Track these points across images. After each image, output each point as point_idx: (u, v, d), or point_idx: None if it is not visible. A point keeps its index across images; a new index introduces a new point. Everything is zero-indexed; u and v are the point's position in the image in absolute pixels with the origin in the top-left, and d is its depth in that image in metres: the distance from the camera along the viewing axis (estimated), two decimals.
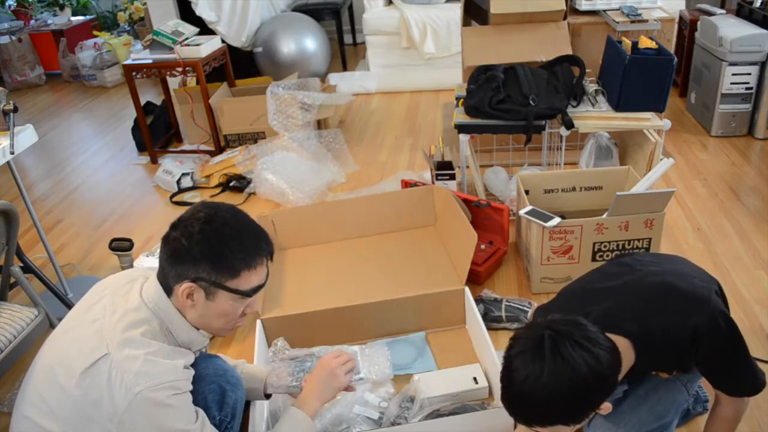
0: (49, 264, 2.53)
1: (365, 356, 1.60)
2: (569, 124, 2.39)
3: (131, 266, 2.52)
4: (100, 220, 3.17)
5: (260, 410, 1.68)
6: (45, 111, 5.00)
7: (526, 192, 2.38)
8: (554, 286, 2.24)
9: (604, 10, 3.14)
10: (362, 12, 4.83)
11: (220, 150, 3.64)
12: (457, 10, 4.12)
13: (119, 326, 1.22)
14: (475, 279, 2.31)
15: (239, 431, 1.46)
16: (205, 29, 4.13)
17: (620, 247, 2.14)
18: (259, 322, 1.98)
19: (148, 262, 2.38)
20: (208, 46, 3.56)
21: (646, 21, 2.97)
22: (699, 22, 3.51)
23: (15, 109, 2.10)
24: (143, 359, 1.18)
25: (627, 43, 2.47)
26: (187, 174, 3.38)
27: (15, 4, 6.16)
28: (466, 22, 3.40)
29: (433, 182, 2.72)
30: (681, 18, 3.84)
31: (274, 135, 3.48)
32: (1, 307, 1.88)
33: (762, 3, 3.33)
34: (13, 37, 5.48)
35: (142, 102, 3.79)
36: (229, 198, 3.21)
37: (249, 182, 3.23)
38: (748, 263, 2.35)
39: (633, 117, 2.45)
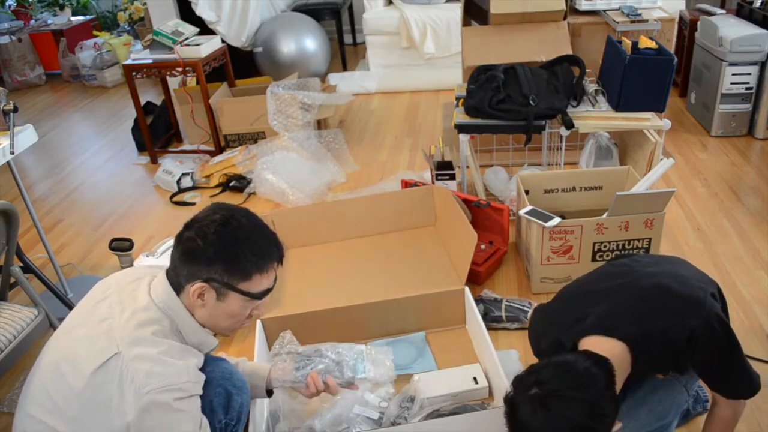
0: (49, 264, 2.53)
1: (370, 356, 1.60)
2: (569, 124, 2.39)
3: (131, 266, 2.52)
4: (100, 220, 3.17)
5: (260, 410, 1.68)
6: (45, 111, 5.00)
7: (526, 192, 2.38)
8: (554, 286, 2.24)
9: (604, 10, 3.14)
10: (362, 12, 4.83)
11: (220, 150, 3.64)
12: (457, 10, 4.12)
13: (129, 325, 1.22)
14: (475, 279, 2.31)
15: None
16: (205, 29, 4.13)
17: (620, 247, 2.14)
18: (259, 322, 1.98)
19: (148, 262, 2.38)
20: (208, 46, 3.56)
21: (646, 21, 2.97)
22: (699, 22, 3.51)
23: (15, 109, 2.10)
24: (155, 359, 1.18)
25: (627, 43, 2.47)
26: (187, 174, 3.38)
27: (15, 4, 6.16)
28: (466, 22, 3.40)
29: (433, 182, 2.72)
30: (681, 18, 3.84)
31: (274, 135, 3.48)
32: (1, 307, 1.88)
33: (762, 3, 3.33)
34: (13, 37, 5.48)
35: (142, 102, 3.79)
36: (229, 198, 3.21)
37: (249, 182, 3.23)
38: (748, 263, 2.35)
39: (633, 117, 2.45)
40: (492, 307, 2.14)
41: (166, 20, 3.81)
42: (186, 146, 3.89)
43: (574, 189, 2.41)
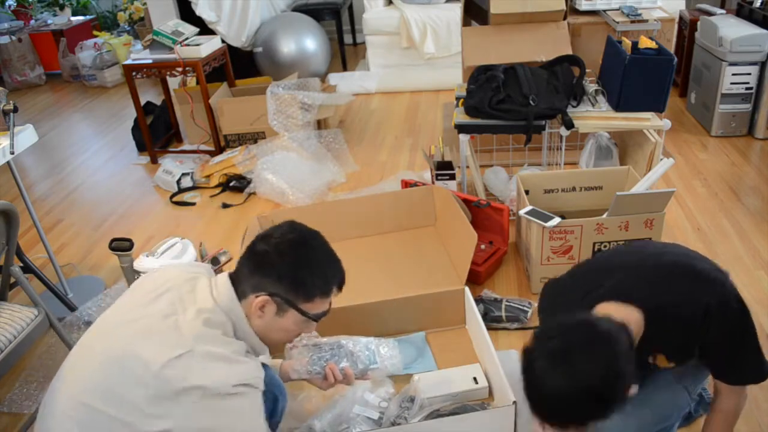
0: (49, 264, 2.53)
1: (377, 348, 1.61)
2: (569, 124, 2.39)
3: (131, 266, 2.51)
4: (100, 220, 3.17)
5: None
6: (45, 111, 5.00)
7: (526, 192, 2.38)
8: None
9: (604, 10, 3.14)
10: (362, 12, 4.83)
11: (220, 150, 3.64)
12: (457, 10, 4.12)
13: (197, 323, 1.23)
14: (475, 279, 2.31)
15: None
16: (205, 29, 4.13)
17: None
18: None
19: (148, 262, 2.38)
20: (208, 46, 3.56)
21: (646, 21, 2.97)
22: (699, 22, 3.51)
23: (15, 109, 2.10)
24: (228, 357, 1.21)
25: (627, 43, 2.47)
26: (187, 174, 3.38)
27: (15, 4, 6.17)
28: (466, 22, 3.40)
29: (433, 182, 2.72)
30: (681, 18, 3.84)
31: (274, 135, 3.48)
32: (1, 307, 1.88)
33: (762, 3, 3.33)
34: (13, 37, 5.48)
35: (142, 102, 3.79)
36: (229, 198, 3.21)
37: (249, 182, 3.23)
38: (748, 263, 2.35)
39: (633, 117, 2.45)
40: (492, 307, 2.14)
41: (166, 20, 3.81)
42: (186, 146, 3.89)
43: (574, 189, 2.41)
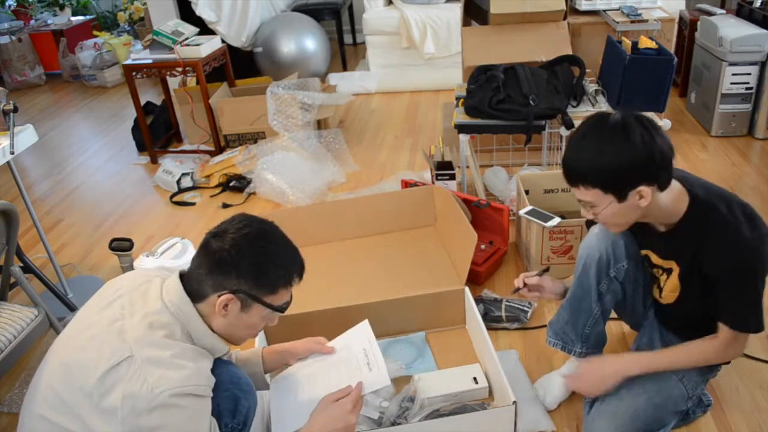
0: (49, 264, 2.53)
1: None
2: (569, 124, 2.39)
3: (131, 266, 2.52)
4: (100, 220, 3.17)
5: (260, 410, 1.68)
6: (45, 111, 5.00)
7: (526, 192, 2.38)
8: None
9: (604, 10, 3.14)
10: (362, 12, 4.84)
11: (220, 150, 3.64)
12: (457, 10, 4.12)
13: (141, 327, 1.22)
14: (475, 279, 2.31)
15: None
16: (205, 29, 4.13)
17: None
18: None
19: (148, 262, 2.38)
20: (208, 46, 3.56)
21: (646, 21, 2.97)
22: (699, 22, 3.51)
23: (15, 109, 2.10)
24: (168, 361, 1.19)
25: (627, 43, 2.48)
26: (187, 174, 3.39)
27: (15, 4, 6.17)
28: (466, 22, 3.40)
29: (433, 182, 2.72)
30: (681, 18, 3.84)
31: (274, 135, 3.48)
32: (1, 307, 1.88)
33: (762, 3, 3.33)
34: (13, 37, 5.48)
35: (142, 102, 3.79)
36: (229, 198, 3.21)
37: (249, 182, 3.23)
38: None
39: None
40: (492, 307, 2.14)
41: (166, 20, 3.81)
42: (186, 146, 3.89)
43: None
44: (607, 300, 1.69)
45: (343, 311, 2.02)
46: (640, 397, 1.55)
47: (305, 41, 4.56)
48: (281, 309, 1.34)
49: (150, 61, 3.51)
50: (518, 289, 1.78)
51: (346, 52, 5.25)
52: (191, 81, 4.09)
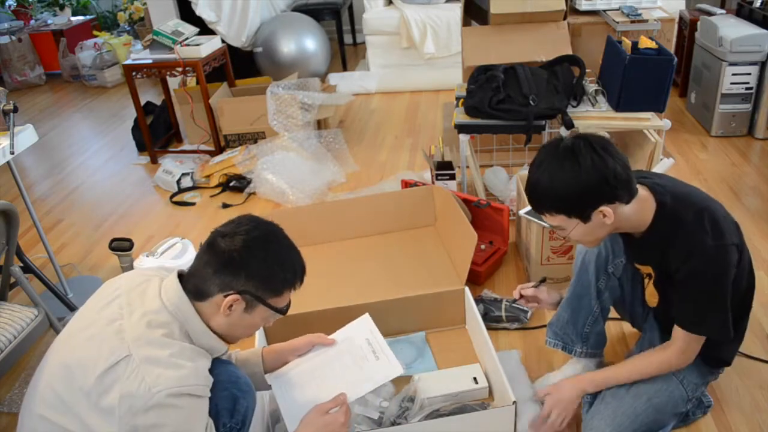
0: (49, 264, 2.53)
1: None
2: (569, 124, 2.39)
3: (131, 266, 2.52)
4: (100, 220, 3.17)
5: (260, 410, 1.68)
6: (45, 111, 5.00)
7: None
8: (554, 287, 2.23)
9: (604, 10, 3.14)
10: (362, 12, 4.83)
11: (220, 150, 3.64)
12: (457, 10, 4.12)
13: (139, 326, 1.22)
14: (475, 279, 2.31)
15: None
16: (205, 29, 4.13)
17: None
18: None
19: (148, 262, 2.38)
20: (208, 46, 3.56)
21: (646, 21, 2.96)
22: (699, 22, 3.51)
23: (15, 109, 2.10)
24: (166, 361, 1.19)
25: (627, 43, 2.47)
26: (187, 174, 3.39)
27: (15, 4, 6.17)
28: (466, 22, 3.40)
29: (433, 182, 2.72)
30: (681, 18, 3.84)
31: (274, 135, 3.48)
32: (1, 307, 1.88)
33: (762, 3, 3.33)
34: (13, 37, 5.48)
35: (142, 102, 3.79)
36: (229, 198, 3.21)
37: (249, 182, 3.23)
38: None
39: (633, 117, 2.45)
40: (492, 307, 2.14)
41: (166, 20, 3.81)
42: (186, 146, 3.89)
43: None
44: (605, 297, 1.70)
45: (343, 311, 2.02)
46: (641, 398, 1.55)
47: (305, 41, 4.56)
48: (283, 311, 1.35)
49: (150, 61, 3.51)
50: (516, 300, 1.82)
51: (346, 52, 5.25)
52: (191, 81, 4.09)
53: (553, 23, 3.00)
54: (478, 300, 2.17)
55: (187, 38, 3.56)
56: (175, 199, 3.28)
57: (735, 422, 1.70)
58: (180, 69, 3.48)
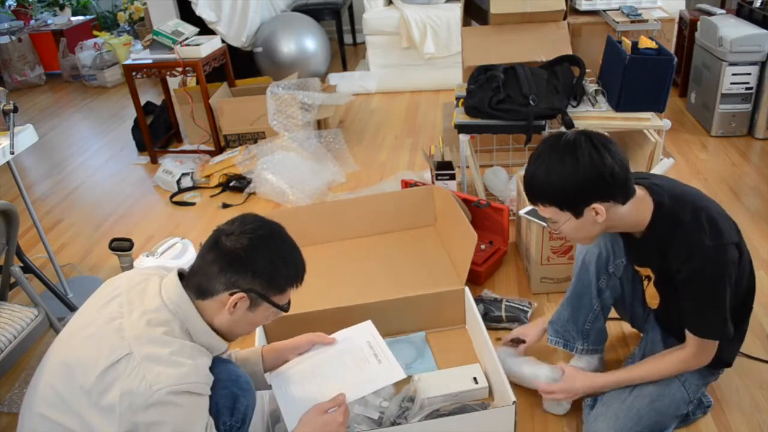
0: (49, 264, 2.53)
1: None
2: (569, 124, 2.39)
3: (131, 266, 2.52)
4: (100, 220, 3.17)
5: (260, 410, 1.68)
6: (45, 111, 5.00)
7: None
8: (554, 286, 2.24)
9: (604, 10, 3.14)
10: (362, 12, 4.83)
11: (220, 150, 3.64)
12: (457, 10, 4.12)
13: (140, 324, 1.22)
14: (475, 279, 2.31)
15: None
16: (205, 29, 4.13)
17: None
18: None
19: (148, 262, 2.38)
20: (208, 46, 3.56)
21: (646, 21, 2.96)
22: (699, 22, 3.51)
23: (15, 109, 2.10)
24: (166, 358, 1.19)
25: (627, 43, 2.47)
26: (187, 174, 3.39)
27: (15, 4, 6.17)
28: (466, 22, 3.40)
29: (433, 182, 2.72)
30: (681, 18, 3.84)
31: (274, 135, 3.48)
32: (1, 307, 1.88)
33: (762, 3, 3.33)
34: (13, 37, 5.48)
35: (142, 102, 3.79)
36: (229, 198, 3.21)
37: (249, 182, 3.23)
38: None
39: (633, 117, 2.45)
40: (492, 307, 2.14)
41: (166, 20, 3.81)
42: (186, 146, 3.89)
43: None
44: (606, 296, 1.70)
45: (343, 311, 2.02)
46: (643, 400, 1.55)
47: (305, 41, 4.56)
48: (285, 309, 1.36)
49: (150, 61, 3.51)
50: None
51: (346, 52, 5.25)
52: (191, 81, 4.09)
53: (553, 23, 3.00)
54: (478, 300, 2.17)
55: (187, 38, 3.56)
56: (175, 199, 3.28)
57: (735, 422, 1.70)
58: (180, 69, 3.48)
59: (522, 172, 2.62)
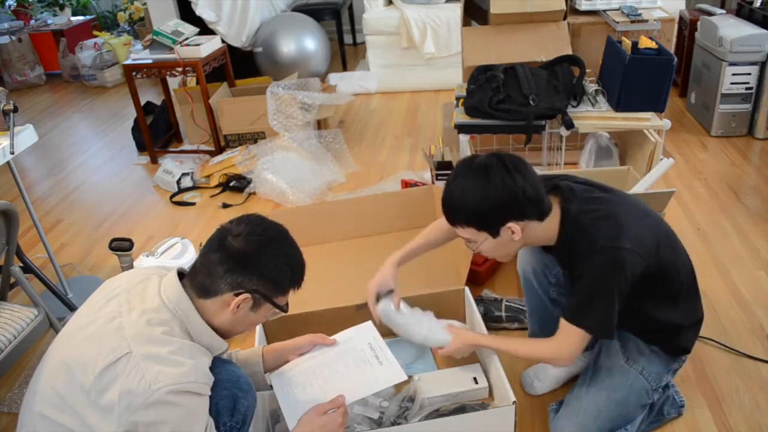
0: (49, 264, 2.53)
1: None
2: (569, 124, 2.39)
3: (131, 266, 2.52)
4: (100, 220, 3.17)
5: (260, 410, 1.68)
6: (45, 111, 5.00)
7: None
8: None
9: (604, 10, 3.14)
10: (362, 12, 4.83)
11: (220, 150, 3.64)
12: (457, 10, 4.12)
13: (139, 324, 1.22)
14: (475, 279, 2.31)
15: None
16: (205, 29, 4.13)
17: None
18: None
19: (148, 262, 2.38)
20: (208, 46, 3.56)
21: (646, 21, 2.96)
22: (699, 22, 3.51)
23: (15, 109, 2.10)
24: (166, 358, 1.19)
25: (627, 43, 2.47)
26: (187, 174, 3.38)
27: (15, 4, 6.17)
28: (466, 22, 3.40)
29: (433, 182, 2.72)
30: (681, 18, 3.84)
31: (274, 135, 3.48)
32: (1, 307, 1.88)
33: (762, 3, 3.33)
34: (13, 37, 5.48)
35: (142, 102, 3.79)
36: (229, 198, 3.21)
37: (249, 182, 3.23)
38: (748, 263, 2.35)
39: (633, 117, 2.45)
40: (492, 307, 2.14)
41: (166, 20, 3.81)
42: (186, 146, 3.89)
43: None
44: (564, 302, 1.73)
45: (343, 311, 2.02)
46: (600, 395, 1.57)
47: (305, 41, 4.56)
48: (286, 309, 1.36)
49: (150, 61, 3.51)
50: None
51: (346, 52, 5.25)
52: (191, 81, 4.09)
53: (553, 23, 3.00)
54: (478, 300, 2.17)
55: (187, 38, 3.56)
56: (175, 199, 3.28)
57: (735, 422, 1.70)
58: (180, 69, 3.48)
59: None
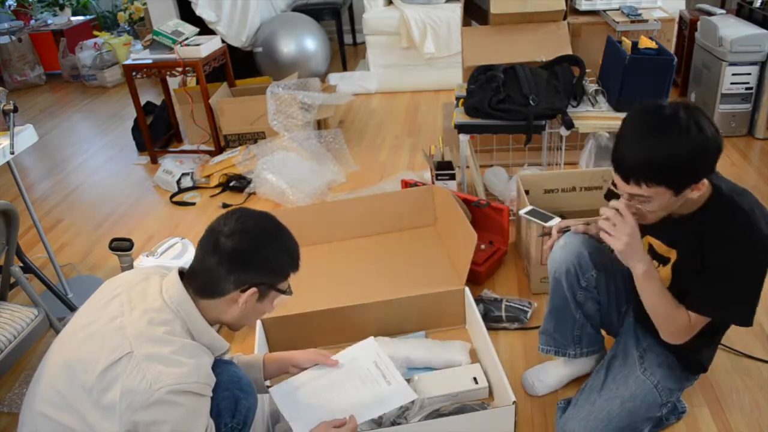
0: (49, 264, 2.53)
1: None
2: (569, 124, 2.39)
3: (131, 266, 2.51)
4: (100, 220, 3.17)
5: (260, 410, 1.68)
6: (45, 111, 5.00)
7: (526, 192, 2.38)
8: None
9: (604, 10, 3.14)
10: (362, 12, 4.83)
11: (220, 150, 3.64)
12: (457, 10, 4.12)
13: (141, 323, 1.22)
14: (475, 279, 2.31)
15: None
16: (205, 29, 4.13)
17: None
18: (259, 322, 1.98)
19: (148, 262, 2.38)
20: (208, 46, 3.56)
21: (646, 21, 2.97)
22: (699, 22, 3.51)
23: (15, 109, 2.10)
24: (167, 358, 1.19)
25: (627, 43, 2.47)
26: (187, 174, 3.38)
27: (15, 4, 6.17)
28: (466, 22, 3.40)
29: (433, 182, 2.72)
30: (681, 18, 3.84)
31: (274, 135, 3.48)
32: (1, 307, 1.88)
33: (762, 3, 3.33)
34: (13, 37, 5.48)
35: (142, 102, 3.79)
36: (229, 198, 3.21)
37: (249, 182, 3.23)
38: None
39: None
40: (492, 307, 2.14)
41: (166, 20, 3.81)
42: (186, 146, 3.89)
43: (574, 189, 2.41)
44: (588, 307, 1.71)
45: (343, 311, 2.03)
46: (614, 402, 1.55)
47: (305, 41, 4.56)
48: (290, 292, 1.39)
49: (150, 61, 3.51)
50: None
51: (346, 52, 5.24)
52: (191, 81, 4.09)
53: (553, 23, 3.00)
54: (478, 300, 2.17)
55: (187, 38, 3.56)
56: (175, 199, 3.28)
57: (735, 422, 1.70)
58: (180, 69, 3.47)
59: (523, 172, 2.63)
